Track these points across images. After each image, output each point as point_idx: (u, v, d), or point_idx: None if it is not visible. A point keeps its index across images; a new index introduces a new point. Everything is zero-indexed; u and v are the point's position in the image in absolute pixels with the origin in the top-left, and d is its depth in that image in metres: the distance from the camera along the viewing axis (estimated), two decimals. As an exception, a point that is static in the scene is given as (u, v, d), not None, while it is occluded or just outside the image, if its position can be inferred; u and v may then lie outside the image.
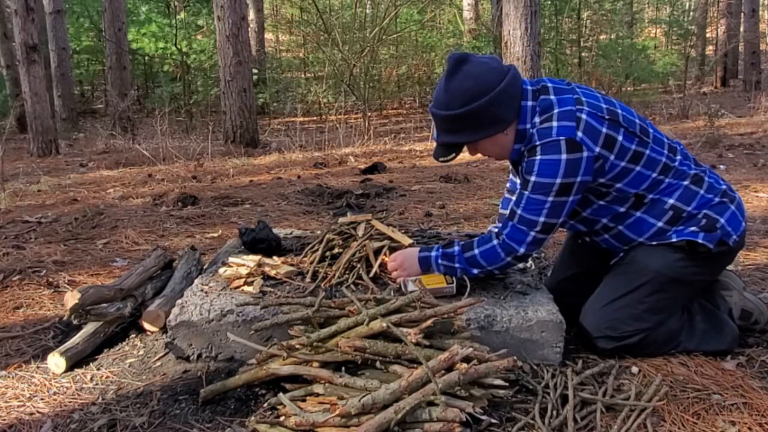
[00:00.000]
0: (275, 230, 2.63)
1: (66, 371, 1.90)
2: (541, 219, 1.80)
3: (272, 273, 2.16)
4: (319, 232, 2.68)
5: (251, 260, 2.22)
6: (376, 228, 2.27)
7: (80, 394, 1.78)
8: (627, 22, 14.52)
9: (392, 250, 2.17)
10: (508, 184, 2.31)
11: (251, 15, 13.08)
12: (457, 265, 1.95)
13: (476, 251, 1.91)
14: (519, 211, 1.83)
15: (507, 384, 1.61)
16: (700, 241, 1.82)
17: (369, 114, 10.41)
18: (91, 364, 1.96)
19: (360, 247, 2.17)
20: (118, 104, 9.95)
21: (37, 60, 7.37)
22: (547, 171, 1.74)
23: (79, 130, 10.95)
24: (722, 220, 1.85)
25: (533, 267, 2.24)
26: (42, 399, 1.76)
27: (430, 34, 14.72)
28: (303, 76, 14.59)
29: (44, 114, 7.54)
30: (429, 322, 1.66)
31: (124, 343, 2.09)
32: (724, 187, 1.92)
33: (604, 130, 1.75)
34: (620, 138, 1.78)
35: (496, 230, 1.92)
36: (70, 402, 1.74)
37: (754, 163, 5.32)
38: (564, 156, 1.72)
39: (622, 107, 1.86)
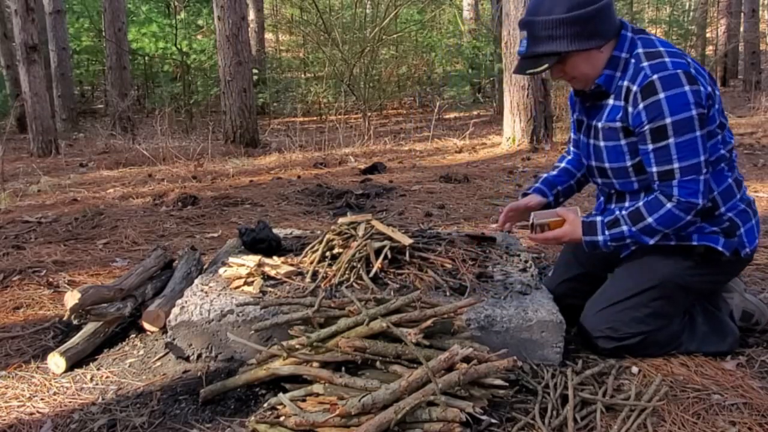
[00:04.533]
0: (275, 230, 2.63)
1: (66, 371, 1.90)
2: (702, 158, 1.71)
3: (272, 273, 2.16)
4: (319, 232, 2.68)
5: (251, 260, 2.22)
6: (376, 228, 2.27)
7: (80, 394, 1.78)
8: (627, 22, 14.49)
9: (392, 250, 2.17)
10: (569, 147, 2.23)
11: (251, 15, 13.06)
12: (629, 241, 1.84)
13: (650, 219, 1.77)
14: (676, 165, 1.71)
15: (507, 384, 1.61)
16: (719, 248, 1.82)
17: (369, 114, 10.41)
18: (91, 364, 1.96)
19: (360, 247, 2.16)
20: (118, 104, 9.94)
21: (37, 60, 7.37)
22: (679, 107, 1.67)
23: (79, 130, 10.94)
24: (742, 230, 1.85)
25: (533, 267, 2.24)
26: (42, 399, 1.76)
27: (430, 34, 14.72)
28: (303, 76, 14.57)
29: (44, 114, 7.54)
30: (429, 322, 1.66)
31: (124, 343, 2.09)
32: (750, 198, 1.92)
33: (707, 78, 1.74)
34: (717, 95, 1.76)
35: (661, 193, 1.77)
36: (70, 402, 1.74)
37: (754, 163, 5.32)
38: (687, 87, 1.67)
39: None
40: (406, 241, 2.19)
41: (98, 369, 1.93)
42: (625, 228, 1.81)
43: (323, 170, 6.06)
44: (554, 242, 1.96)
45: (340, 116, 10.16)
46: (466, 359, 1.57)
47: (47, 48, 10.61)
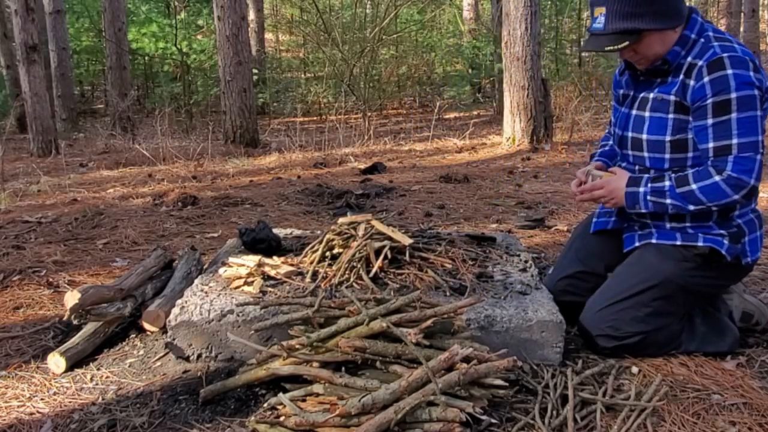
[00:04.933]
0: (275, 230, 2.63)
1: (66, 371, 1.90)
2: (761, 137, 1.72)
3: (272, 273, 2.16)
4: (319, 232, 2.68)
5: (251, 260, 2.22)
6: (376, 228, 2.27)
7: (80, 394, 1.78)
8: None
9: (392, 250, 2.17)
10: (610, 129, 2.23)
11: (251, 15, 13.06)
12: (668, 201, 1.80)
13: (694, 186, 1.76)
14: (735, 140, 1.71)
15: (507, 384, 1.61)
16: (722, 251, 1.82)
17: (369, 114, 10.41)
18: (91, 364, 1.96)
19: (360, 247, 2.16)
20: (118, 104, 9.94)
21: (37, 60, 7.37)
22: (744, 85, 1.69)
23: (79, 130, 10.94)
24: (747, 238, 1.86)
25: (533, 267, 2.24)
26: (42, 399, 1.76)
27: (430, 34, 14.72)
28: (303, 76, 14.57)
29: (44, 114, 7.54)
30: (429, 322, 1.66)
31: (124, 343, 2.09)
32: (760, 212, 1.94)
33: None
34: None
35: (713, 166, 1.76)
36: (70, 402, 1.74)
37: (754, 163, 5.31)
38: (752, 73, 1.70)
39: None
40: (406, 241, 2.19)
41: (98, 369, 1.93)
42: (667, 183, 1.80)
43: (323, 170, 6.06)
44: (599, 193, 1.93)
45: (340, 116, 10.16)
46: (466, 359, 1.57)
47: (47, 48, 10.60)
